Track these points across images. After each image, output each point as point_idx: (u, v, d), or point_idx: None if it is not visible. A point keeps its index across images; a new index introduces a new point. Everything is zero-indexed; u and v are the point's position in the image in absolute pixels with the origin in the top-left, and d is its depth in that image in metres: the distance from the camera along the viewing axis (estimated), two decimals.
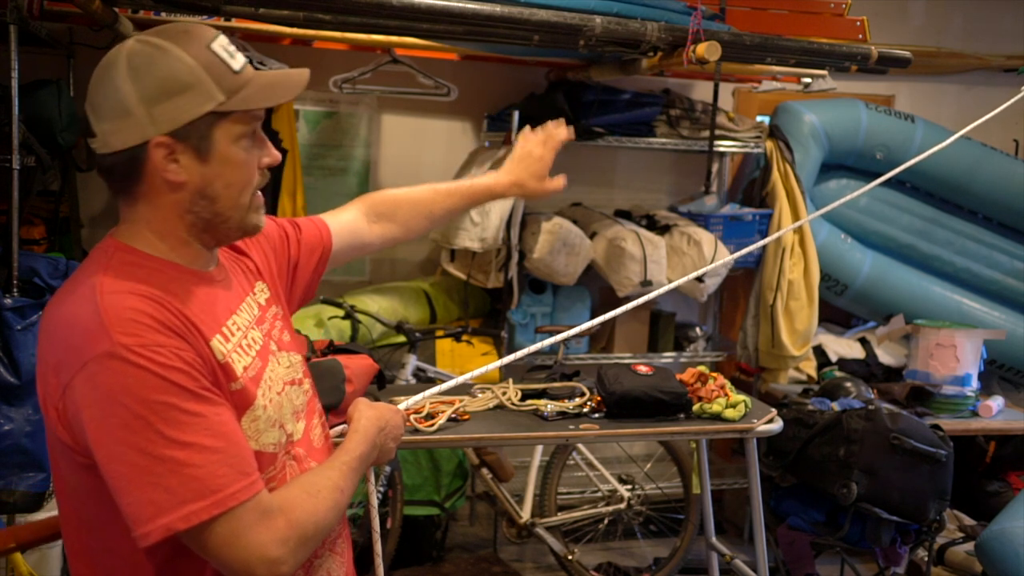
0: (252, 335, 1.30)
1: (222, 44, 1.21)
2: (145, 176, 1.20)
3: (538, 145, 1.88)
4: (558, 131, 1.91)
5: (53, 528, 1.94)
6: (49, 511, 2.72)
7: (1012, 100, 2.72)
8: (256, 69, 1.25)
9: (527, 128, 1.94)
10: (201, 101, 1.17)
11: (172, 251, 1.24)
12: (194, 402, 1.11)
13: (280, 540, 1.13)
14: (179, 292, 1.19)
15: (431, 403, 2.35)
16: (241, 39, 3.43)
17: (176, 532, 1.08)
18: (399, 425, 1.49)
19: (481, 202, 1.92)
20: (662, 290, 2.15)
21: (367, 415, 1.42)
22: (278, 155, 1.29)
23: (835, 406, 3.08)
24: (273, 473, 1.27)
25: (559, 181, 1.89)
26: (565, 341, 3.72)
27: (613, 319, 4.12)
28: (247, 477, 1.12)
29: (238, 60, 1.21)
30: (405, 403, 1.64)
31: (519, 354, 1.84)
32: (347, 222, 1.69)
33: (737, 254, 2.45)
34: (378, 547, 1.64)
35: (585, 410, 2.48)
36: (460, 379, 1.72)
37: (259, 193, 1.28)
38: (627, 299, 3.89)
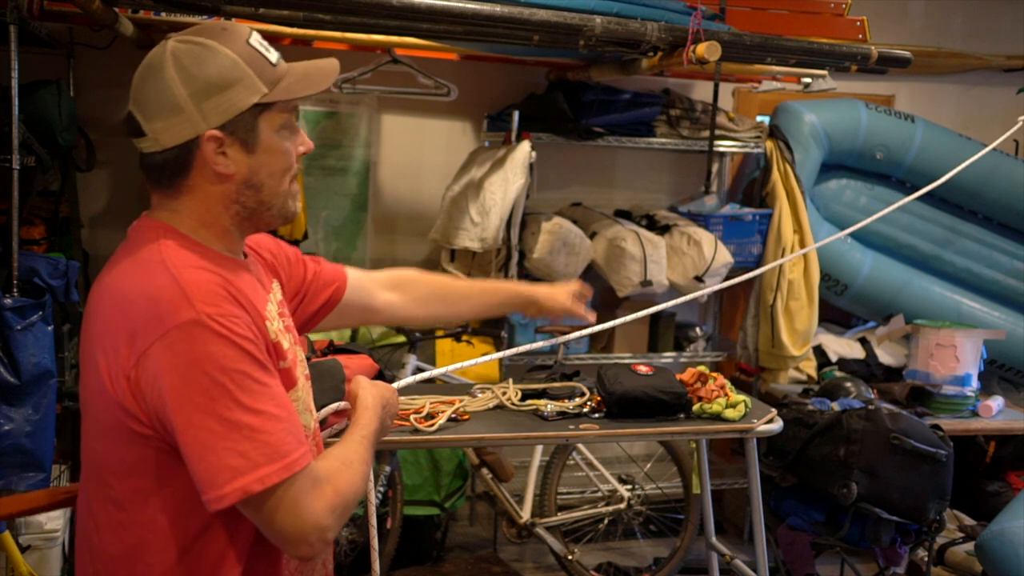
0: (281, 324, 1.35)
1: (258, 39, 1.26)
2: (194, 170, 1.25)
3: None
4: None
5: (49, 500, 1.96)
6: (49, 511, 2.72)
7: (1011, 131, 2.73)
8: None
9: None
10: (247, 94, 1.22)
11: (215, 239, 1.28)
12: (262, 372, 1.17)
13: (330, 508, 1.18)
14: (232, 275, 1.25)
15: (431, 403, 2.36)
16: None
17: (251, 495, 1.12)
18: (396, 403, 1.53)
19: (512, 301, 1.92)
20: (676, 302, 2.16)
21: (372, 392, 1.46)
22: (311, 143, 1.33)
23: (835, 406, 3.08)
24: None
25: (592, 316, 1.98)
26: (565, 342, 3.74)
27: (612, 319, 4.11)
28: (303, 445, 1.18)
29: (273, 54, 1.27)
30: (399, 383, 1.66)
31: (515, 351, 1.85)
32: (364, 279, 1.73)
33: (760, 270, 2.46)
34: (375, 542, 1.63)
35: (585, 410, 2.47)
36: (451, 367, 1.73)
37: (295, 181, 1.32)
38: (627, 299, 3.92)
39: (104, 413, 1.20)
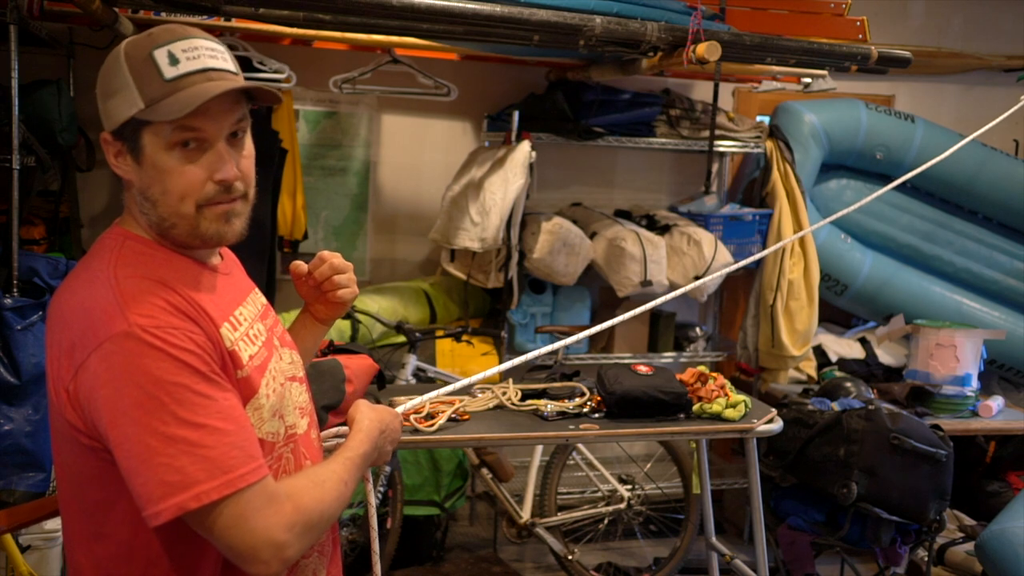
0: (257, 327, 1.32)
1: (173, 49, 1.18)
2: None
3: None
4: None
5: (46, 509, 1.95)
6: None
7: (1012, 110, 2.72)
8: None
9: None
10: (126, 106, 1.18)
11: (169, 242, 1.25)
12: (205, 384, 1.13)
13: (287, 525, 1.14)
14: (189, 280, 1.22)
15: (431, 403, 2.35)
16: (241, 39, 3.43)
17: (187, 511, 1.08)
18: (397, 429, 1.50)
19: (310, 332, 1.63)
20: (671, 295, 2.15)
21: (370, 416, 1.43)
22: (232, 172, 1.22)
23: (835, 406, 3.08)
24: (270, 463, 1.29)
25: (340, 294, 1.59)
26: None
27: (612, 319, 4.10)
28: (255, 460, 1.14)
29: (181, 68, 1.18)
30: (403, 406, 1.64)
31: (521, 359, 1.83)
32: None
33: (753, 258, 2.46)
34: (375, 546, 1.63)
35: (585, 410, 2.48)
36: (466, 381, 1.71)
37: (226, 204, 1.23)
38: (627, 299, 3.92)
39: (60, 424, 1.18)
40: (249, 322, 1.30)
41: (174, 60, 1.18)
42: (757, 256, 2.50)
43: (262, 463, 1.15)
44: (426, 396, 1.77)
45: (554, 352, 3.73)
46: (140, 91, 1.17)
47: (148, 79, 1.17)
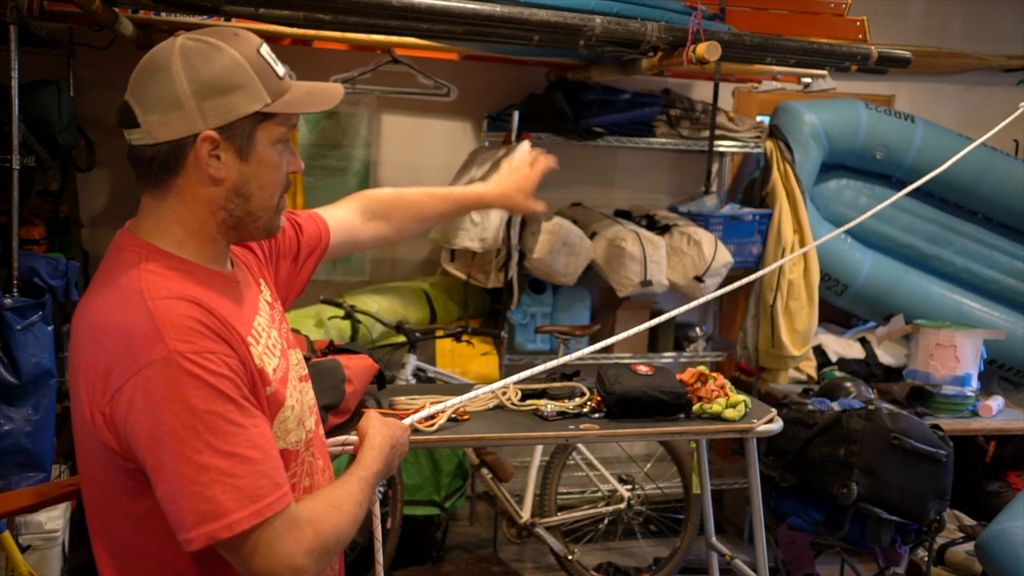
0: (273, 335, 1.33)
1: (268, 51, 1.26)
2: (184, 169, 1.22)
3: (528, 164, 1.98)
4: (547, 157, 2.02)
5: (64, 488, 1.95)
6: (49, 511, 2.72)
7: (1012, 117, 2.73)
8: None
9: (525, 144, 2.01)
10: (250, 101, 1.21)
11: (200, 249, 1.26)
12: (237, 412, 1.15)
13: (307, 550, 1.16)
14: (215, 295, 1.22)
15: (431, 402, 2.35)
16: None
17: (218, 541, 1.11)
18: (406, 443, 1.52)
19: (471, 209, 2.00)
20: (684, 308, 2.14)
21: (382, 432, 1.44)
22: (302, 164, 1.33)
23: (835, 406, 3.08)
24: (296, 469, 1.31)
25: (541, 205, 2.00)
26: (565, 341, 3.74)
27: (613, 319, 4.10)
28: (280, 488, 1.16)
29: (280, 68, 1.27)
30: (411, 418, 1.64)
31: (529, 372, 1.83)
32: (344, 220, 1.73)
33: (764, 271, 2.45)
34: (379, 555, 1.63)
35: (585, 410, 2.47)
36: (474, 393, 1.72)
37: (284, 197, 1.32)
38: (627, 299, 3.92)
39: (91, 443, 1.19)
40: (266, 331, 1.31)
41: (275, 60, 1.25)
42: (764, 272, 2.51)
43: (287, 489, 1.17)
44: (435, 408, 1.78)
45: (554, 352, 3.76)
46: (265, 86, 1.22)
47: (267, 76, 1.23)
